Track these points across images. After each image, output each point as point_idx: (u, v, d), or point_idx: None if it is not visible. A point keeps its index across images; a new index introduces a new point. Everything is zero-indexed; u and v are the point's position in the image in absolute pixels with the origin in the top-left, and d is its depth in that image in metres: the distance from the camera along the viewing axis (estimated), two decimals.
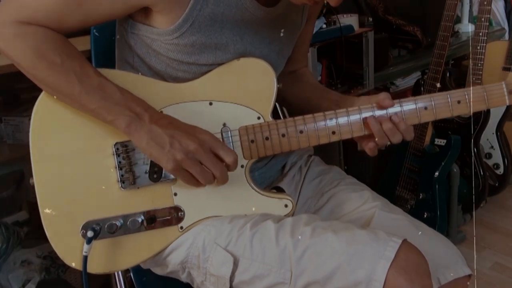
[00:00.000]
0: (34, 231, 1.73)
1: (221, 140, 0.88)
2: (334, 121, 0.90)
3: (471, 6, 2.79)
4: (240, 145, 0.90)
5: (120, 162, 0.89)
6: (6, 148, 1.66)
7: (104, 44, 1.17)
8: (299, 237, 0.83)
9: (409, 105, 0.89)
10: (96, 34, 1.20)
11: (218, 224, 0.90)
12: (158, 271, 0.99)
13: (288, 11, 0.95)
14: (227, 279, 0.86)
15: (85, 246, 0.87)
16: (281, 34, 0.98)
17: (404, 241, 0.80)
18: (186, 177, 0.84)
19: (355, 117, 0.90)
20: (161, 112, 0.87)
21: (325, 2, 0.82)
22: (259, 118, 0.90)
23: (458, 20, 2.74)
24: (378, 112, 0.89)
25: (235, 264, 0.86)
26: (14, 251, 1.64)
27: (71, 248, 0.89)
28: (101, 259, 0.90)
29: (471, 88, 0.88)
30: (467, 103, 0.88)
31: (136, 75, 0.92)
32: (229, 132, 0.90)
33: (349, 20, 1.99)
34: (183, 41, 0.86)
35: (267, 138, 0.90)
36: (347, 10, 2.11)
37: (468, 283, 0.92)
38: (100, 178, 0.89)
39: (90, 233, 0.87)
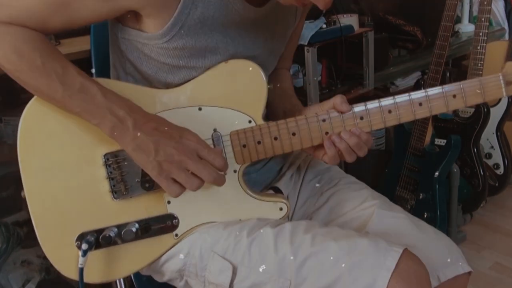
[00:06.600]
0: (34, 231, 1.73)
1: (211, 145, 0.87)
2: (328, 122, 0.88)
3: (471, 6, 2.79)
4: (232, 150, 0.89)
5: (111, 172, 0.88)
6: (6, 148, 1.66)
7: (104, 44, 1.16)
8: (299, 245, 0.82)
9: (402, 98, 0.87)
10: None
11: (213, 231, 0.89)
12: (157, 277, 0.99)
13: (280, 10, 0.94)
14: (227, 287, 0.86)
15: (81, 259, 0.86)
16: (275, 33, 0.97)
17: (405, 250, 0.79)
18: (170, 185, 0.82)
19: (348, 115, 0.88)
20: (148, 114, 0.84)
21: None
22: (250, 121, 0.88)
23: (458, 20, 2.74)
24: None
25: (234, 272, 0.85)
26: (14, 251, 1.64)
27: (68, 260, 0.89)
28: (98, 269, 0.90)
29: (467, 81, 0.86)
30: (463, 97, 0.86)
31: (126, 83, 0.91)
32: (220, 138, 0.88)
33: (349, 20, 1.99)
34: (172, 45, 0.85)
35: (259, 142, 0.88)
36: (347, 10, 2.12)
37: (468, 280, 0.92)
38: (92, 189, 0.88)
39: (84, 246, 0.86)
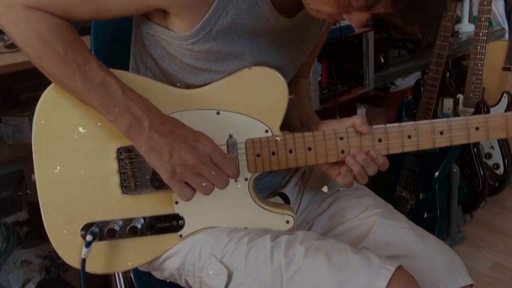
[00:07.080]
0: (34, 231, 1.73)
1: (225, 151, 0.87)
2: (345, 140, 0.87)
3: (471, 6, 2.79)
4: (246, 158, 0.88)
5: (122, 166, 0.88)
6: (6, 148, 1.66)
7: (104, 44, 1.16)
8: (292, 257, 0.82)
9: (424, 124, 0.86)
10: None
11: (216, 234, 0.89)
12: (157, 274, 0.99)
13: (308, 21, 0.93)
14: None
15: (84, 250, 0.86)
16: (300, 45, 0.96)
17: (398, 268, 0.78)
18: (182, 188, 0.81)
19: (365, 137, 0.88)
20: (164, 115, 0.83)
21: None
22: (267, 131, 0.87)
23: (458, 20, 2.74)
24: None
25: (229, 277, 0.85)
26: (14, 251, 1.64)
27: (71, 247, 0.89)
28: (100, 260, 0.90)
29: (491, 114, 0.85)
30: (486, 130, 0.85)
31: (146, 79, 0.90)
32: (235, 145, 0.88)
33: None
34: (198, 48, 0.83)
35: (273, 153, 0.87)
36: None
37: None
38: (102, 181, 0.88)
39: (89, 237, 0.86)
